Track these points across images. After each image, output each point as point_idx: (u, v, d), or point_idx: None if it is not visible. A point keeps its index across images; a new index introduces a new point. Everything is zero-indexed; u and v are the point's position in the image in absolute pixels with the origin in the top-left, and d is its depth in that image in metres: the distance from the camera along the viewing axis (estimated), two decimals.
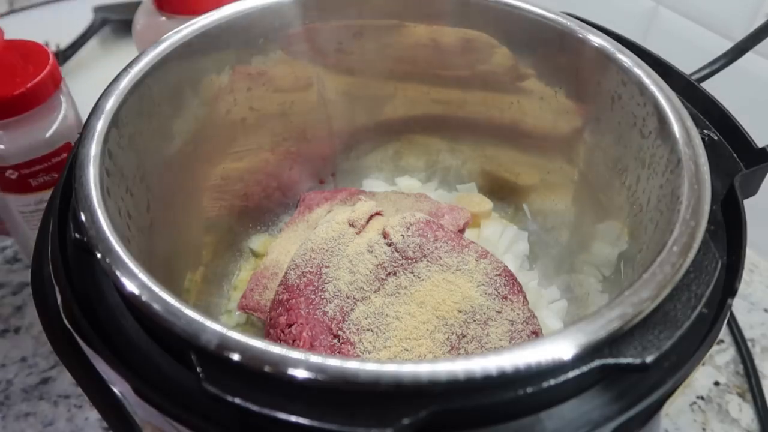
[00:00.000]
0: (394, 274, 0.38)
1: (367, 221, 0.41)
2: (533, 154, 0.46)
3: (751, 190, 0.33)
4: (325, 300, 0.37)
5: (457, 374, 0.21)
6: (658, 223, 0.31)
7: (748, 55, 0.41)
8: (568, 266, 0.45)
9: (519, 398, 0.22)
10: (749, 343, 0.51)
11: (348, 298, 0.37)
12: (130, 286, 0.25)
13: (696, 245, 0.26)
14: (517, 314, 0.37)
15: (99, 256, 0.26)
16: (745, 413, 0.47)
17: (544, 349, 0.22)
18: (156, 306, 0.24)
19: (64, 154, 0.46)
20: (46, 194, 0.43)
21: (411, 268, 0.38)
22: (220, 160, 0.43)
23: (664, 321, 0.25)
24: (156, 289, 0.24)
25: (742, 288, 0.55)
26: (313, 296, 0.37)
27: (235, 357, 0.22)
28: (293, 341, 0.36)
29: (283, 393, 0.22)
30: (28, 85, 0.43)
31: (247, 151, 0.45)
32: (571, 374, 0.22)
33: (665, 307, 0.25)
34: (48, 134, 0.45)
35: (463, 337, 0.36)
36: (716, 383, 0.49)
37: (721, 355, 0.50)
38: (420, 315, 0.36)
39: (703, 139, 0.32)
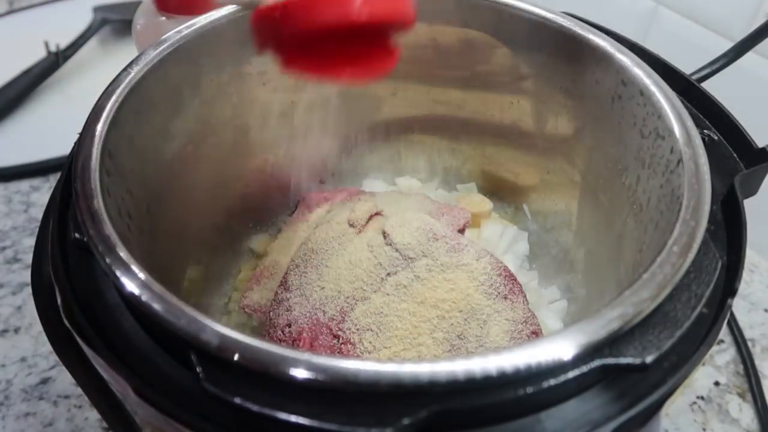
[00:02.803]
0: (394, 273, 0.38)
1: (367, 221, 0.41)
2: (533, 154, 0.46)
3: (751, 190, 0.33)
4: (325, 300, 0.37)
5: (457, 374, 0.21)
6: (658, 223, 0.31)
7: (748, 55, 0.41)
8: (568, 266, 0.45)
9: (519, 398, 0.22)
10: (749, 343, 0.51)
11: (348, 297, 0.37)
12: (130, 286, 0.25)
13: (696, 245, 0.26)
14: (517, 314, 0.37)
15: (99, 256, 0.26)
16: (745, 413, 0.47)
17: (544, 349, 0.22)
18: (156, 306, 0.24)
19: None
20: None
21: (411, 267, 0.38)
22: (220, 160, 0.43)
23: (664, 321, 0.25)
24: (156, 289, 0.24)
25: (742, 288, 0.55)
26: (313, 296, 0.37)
27: (235, 357, 0.22)
28: (293, 341, 0.36)
29: (283, 393, 0.22)
30: None
31: (247, 151, 0.45)
32: (571, 374, 0.22)
33: (665, 307, 0.25)
34: None
35: (463, 336, 0.36)
36: (716, 383, 0.49)
37: (721, 355, 0.50)
38: (420, 314, 0.36)
39: (703, 139, 0.32)
